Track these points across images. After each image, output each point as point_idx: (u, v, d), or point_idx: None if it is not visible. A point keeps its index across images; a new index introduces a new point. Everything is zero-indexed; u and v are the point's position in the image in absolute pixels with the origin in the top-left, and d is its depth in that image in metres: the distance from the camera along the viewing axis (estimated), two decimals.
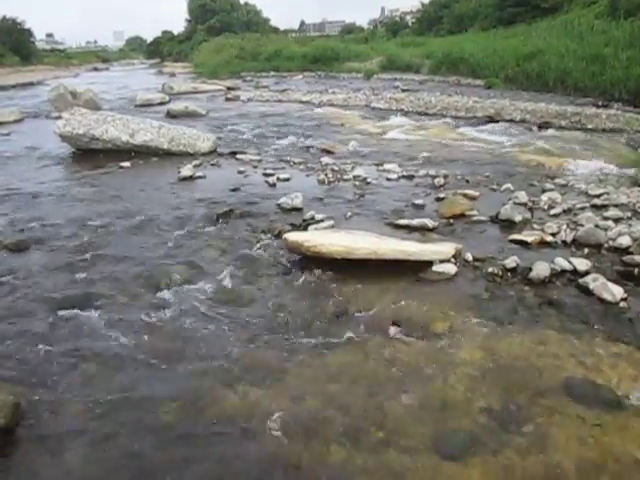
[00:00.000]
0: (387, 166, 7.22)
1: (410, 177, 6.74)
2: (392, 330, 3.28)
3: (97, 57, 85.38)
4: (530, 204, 5.43)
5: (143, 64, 67.51)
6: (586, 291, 3.66)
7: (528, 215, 5.13)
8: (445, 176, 6.62)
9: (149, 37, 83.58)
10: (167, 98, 16.81)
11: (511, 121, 11.62)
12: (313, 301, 3.67)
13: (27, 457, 2.42)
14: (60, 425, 2.58)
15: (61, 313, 3.57)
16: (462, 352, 3.04)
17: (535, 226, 4.85)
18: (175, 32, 65.12)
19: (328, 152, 8.43)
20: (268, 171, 7.10)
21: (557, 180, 6.43)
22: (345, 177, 6.73)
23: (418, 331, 3.27)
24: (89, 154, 8.71)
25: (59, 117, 11.14)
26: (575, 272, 3.91)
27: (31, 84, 31.73)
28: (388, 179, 6.67)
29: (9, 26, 52.28)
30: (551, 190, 5.94)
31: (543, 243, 4.48)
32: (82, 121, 8.84)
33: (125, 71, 49.93)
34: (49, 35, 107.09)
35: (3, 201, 6.25)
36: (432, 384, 2.80)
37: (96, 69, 57.44)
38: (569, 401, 2.64)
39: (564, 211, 5.23)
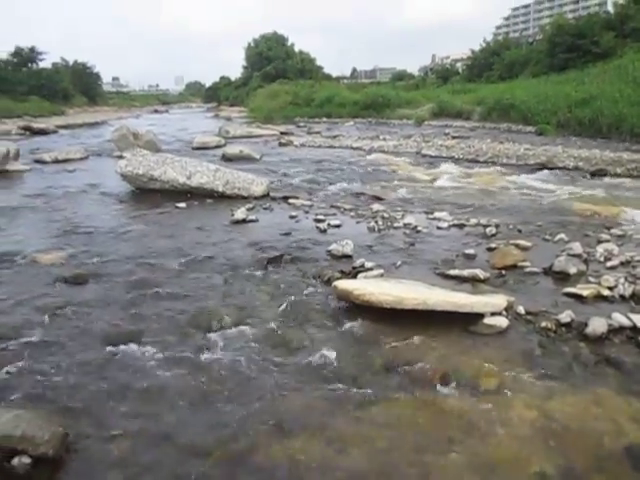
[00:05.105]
0: (437, 214, 7.20)
1: (461, 226, 6.68)
2: (441, 384, 3.22)
3: (158, 100, 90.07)
4: (585, 255, 5.28)
5: (200, 107, 70.56)
6: None
7: (583, 267, 4.99)
8: (497, 225, 6.53)
9: (208, 82, 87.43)
10: (223, 141, 17.40)
11: (564, 168, 11.48)
12: (361, 351, 3.65)
13: None
14: (105, 459, 2.63)
15: (113, 347, 3.68)
16: (513, 410, 2.95)
17: (591, 279, 4.70)
18: (232, 78, 67.94)
19: (378, 199, 8.48)
20: (319, 217, 7.18)
21: (613, 230, 6.25)
22: (395, 225, 6.73)
23: (468, 386, 3.20)
24: (147, 193, 9.09)
25: (121, 156, 11.76)
26: (634, 329, 3.76)
27: (96, 124, 33.65)
28: (438, 227, 6.64)
29: (80, 70, 56.29)
30: (607, 241, 5.78)
31: (599, 297, 4.35)
32: (143, 162, 9.27)
33: (183, 114, 52.28)
34: (115, 78, 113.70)
35: (66, 235, 6.58)
36: (481, 443, 2.71)
37: (156, 111, 60.49)
38: (632, 471, 2.50)
39: (622, 263, 5.07)
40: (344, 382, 3.28)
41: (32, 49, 49.30)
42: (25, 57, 48.72)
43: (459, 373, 3.32)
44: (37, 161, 13.72)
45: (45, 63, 51.31)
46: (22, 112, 35.25)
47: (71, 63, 57.14)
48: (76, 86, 53.01)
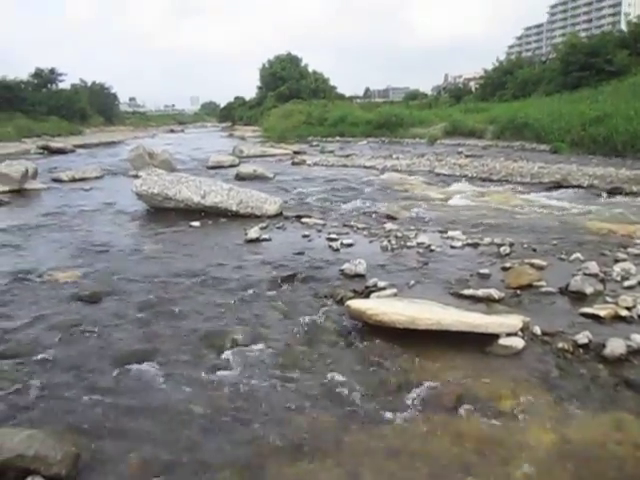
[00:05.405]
0: (451, 233, 7.15)
1: (475, 245, 6.62)
2: (456, 407, 3.17)
3: (173, 119, 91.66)
4: (602, 275, 5.19)
5: (215, 127, 71.51)
6: None
7: (600, 287, 4.91)
8: (511, 244, 6.48)
9: (222, 102, 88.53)
10: (237, 161, 17.54)
11: (579, 187, 11.41)
12: (374, 371, 3.61)
13: None
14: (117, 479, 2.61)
15: (126, 366, 3.68)
16: (530, 434, 2.88)
17: (608, 299, 4.62)
18: (247, 98, 68.76)
19: (392, 218, 8.46)
20: (332, 236, 7.17)
21: (630, 249, 6.15)
22: (409, 244, 6.69)
23: (483, 408, 3.14)
24: (162, 212, 9.19)
25: (136, 176, 11.94)
26: None
27: (113, 143, 34.23)
28: (452, 247, 6.58)
29: (97, 90, 57.72)
30: (624, 260, 5.68)
31: (617, 317, 4.26)
32: (158, 181, 9.39)
33: (199, 133, 53.01)
34: (132, 99, 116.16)
35: (81, 254, 6.65)
36: (497, 468, 2.65)
37: (172, 131, 61.53)
38: None
39: (639, 283, 4.98)
40: (357, 403, 3.24)
41: (52, 70, 50.67)
42: (45, 78, 50.05)
43: (474, 395, 3.27)
44: (55, 180, 14.02)
45: (64, 84, 52.69)
46: (41, 132, 36.13)
47: (89, 84, 58.46)
48: (94, 106, 54.28)
